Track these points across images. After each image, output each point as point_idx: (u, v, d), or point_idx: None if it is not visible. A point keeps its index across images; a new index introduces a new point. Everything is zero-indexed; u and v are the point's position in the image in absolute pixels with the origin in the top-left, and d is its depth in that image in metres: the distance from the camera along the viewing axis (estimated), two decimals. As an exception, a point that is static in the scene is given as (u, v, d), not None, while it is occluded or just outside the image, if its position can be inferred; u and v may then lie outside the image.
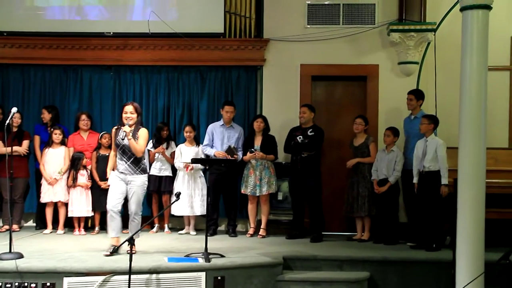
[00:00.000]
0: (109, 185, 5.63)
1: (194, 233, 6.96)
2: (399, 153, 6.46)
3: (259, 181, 6.77)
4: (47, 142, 6.92)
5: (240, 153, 6.92)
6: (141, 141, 5.41)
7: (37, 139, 7.09)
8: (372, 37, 7.33)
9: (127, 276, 4.60)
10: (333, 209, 7.03)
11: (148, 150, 7.05)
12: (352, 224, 6.91)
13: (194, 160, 6.14)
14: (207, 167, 6.08)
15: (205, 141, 7.02)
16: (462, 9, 4.83)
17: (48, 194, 6.79)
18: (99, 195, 6.75)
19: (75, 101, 7.52)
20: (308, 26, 7.38)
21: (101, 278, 4.79)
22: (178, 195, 5.30)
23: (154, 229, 7.11)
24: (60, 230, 6.81)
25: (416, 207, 6.26)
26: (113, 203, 5.39)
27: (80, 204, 6.76)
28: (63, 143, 6.92)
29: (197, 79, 7.52)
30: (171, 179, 7.05)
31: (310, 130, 6.74)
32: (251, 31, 7.40)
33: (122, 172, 5.43)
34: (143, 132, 5.46)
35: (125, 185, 5.43)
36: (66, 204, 6.81)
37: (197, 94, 7.51)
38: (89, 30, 7.43)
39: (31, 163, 7.14)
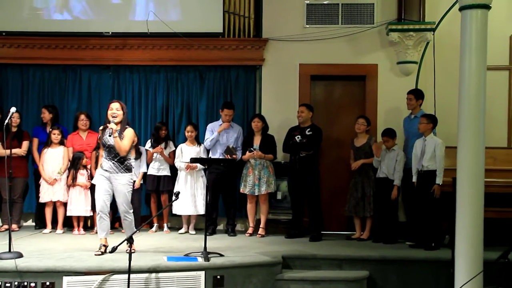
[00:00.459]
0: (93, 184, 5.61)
1: (194, 232, 6.96)
2: (400, 152, 6.44)
3: (258, 181, 6.77)
4: (46, 142, 6.91)
5: (239, 153, 6.92)
6: (126, 141, 5.40)
7: (35, 141, 7.06)
8: (371, 36, 7.34)
9: (126, 275, 4.61)
10: (332, 208, 7.04)
11: (146, 150, 7.07)
12: (351, 223, 6.91)
13: (193, 160, 6.13)
14: (206, 167, 6.07)
15: (207, 135, 7.00)
16: (461, 8, 4.83)
17: (47, 193, 6.79)
18: (98, 195, 6.75)
19: (74, 100, 7.52)
20: (307, 26, 7.38)
21: (101, 277, 4.79)
22: (177, 194, 5.30)
23: (153, 229, 7.12)
24: (59, 230, 6.81)
25: (415, 206, 6.26)
26: (102, 205, 5.40)
27: (79, 204, 6.77)
28: (62, 143, 6.92)
29: (196, 79, 7.52)
30: (169, 179, 7.05)
31: (308, 129, 6.74)
32: (250, 31, 7.40)
33: (106, 170, 5.43)
34: (129, 132, 5.46)
35: (109, 183, 5.42)
36: (65, 204, 6.81)
37: (196, 93, 7.51)
38: (88, 30, 7.42)
39: (30, 163, 7.13)
